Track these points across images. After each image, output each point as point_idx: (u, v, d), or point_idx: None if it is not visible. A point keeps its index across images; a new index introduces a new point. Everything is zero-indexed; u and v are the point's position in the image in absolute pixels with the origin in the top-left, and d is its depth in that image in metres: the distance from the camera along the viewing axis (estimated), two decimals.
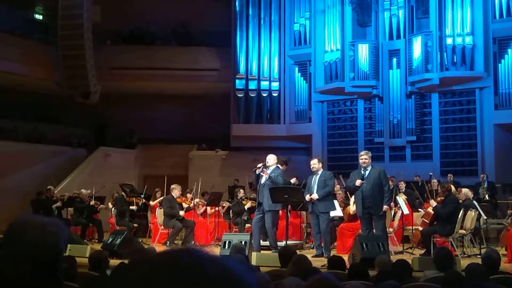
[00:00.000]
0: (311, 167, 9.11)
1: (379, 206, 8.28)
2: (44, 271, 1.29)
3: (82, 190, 12.60)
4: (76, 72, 16.74)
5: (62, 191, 14.08)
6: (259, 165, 9.02)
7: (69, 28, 16.59)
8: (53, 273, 1.29)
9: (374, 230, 8.32)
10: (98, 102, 17.41)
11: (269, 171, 8.92)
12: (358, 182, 8.34)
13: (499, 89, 14.52)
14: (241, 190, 12.34)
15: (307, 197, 8.87)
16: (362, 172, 8.49)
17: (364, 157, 8.55)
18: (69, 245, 7.97)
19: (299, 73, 17.28)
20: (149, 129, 19.05)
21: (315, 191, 8.76)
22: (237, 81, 17.51)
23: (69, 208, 12.53)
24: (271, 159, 9.08)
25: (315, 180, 8.89)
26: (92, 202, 12.41)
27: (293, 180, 10.44)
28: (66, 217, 12.47)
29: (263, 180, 8.93)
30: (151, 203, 12.35)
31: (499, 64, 14.58)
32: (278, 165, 9.17)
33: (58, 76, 17.06)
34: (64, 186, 15.03)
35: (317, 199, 8.69)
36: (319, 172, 8.96)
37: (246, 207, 11.65)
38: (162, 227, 10.92)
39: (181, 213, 10.70)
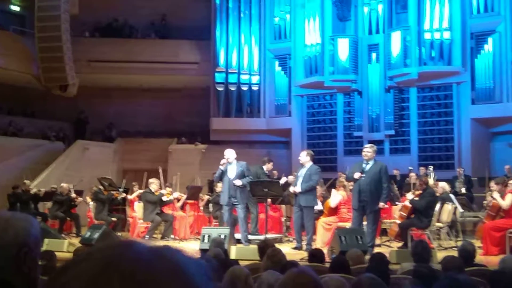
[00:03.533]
0: (299, 159, 9.14)
1: (375, 202, 8.13)
2: (9, 265, 1.27)
3: (63, 184, 12.48)
4: (54, 65, 16.50)
5: (40, 185, 13.90)
6: (223, 161, 9.09)
7: (46, 20, 16.33)
8: (19, 268, 1.27)
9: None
10: (76, 95, 17.19)
11: (233, 167, 9.03)
12: (357, 175, 8.21)
13: (476, 84, 14.72)
14: (219, 184, 12.31)
15: (291, 189, 8.93)
16: (364, 165, 8.32)
17: (366, 150, 8.40)
18: (46, 240, 7.90)
19: (279, 67, 17.29)
20: (128, 123, 18.91)
21: (299, 183, 8.80)
22: (216, 74, 17.46)
23: (46, 202, 12.39)
24: (232, 154, 9.12)
25: (301, 173, 8.93)
26: (73, 195, 12.30)
27: (282, 181, 10.43)
28: (43, 211, 12.34)
29: (232, 176, 8.99)
30: (129, 197, 12.28)
31: (476, 59, 14.78)
32: (244, 162, 9.30)
33: (35, 69, 16.80)
34: (42, 180, 14.84)
35: (300, 192, 8.73)
36: (307, 166, 8.97)
37: None
38: (141, 221, 10.87)
39: (164, 198, 10.66)
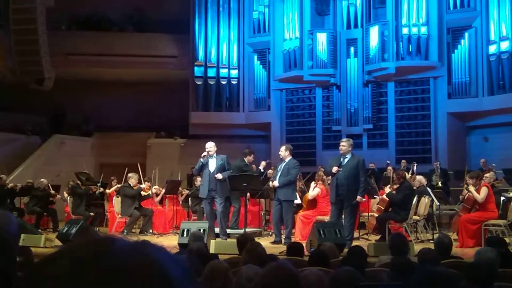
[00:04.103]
0: (279, 154, 9.18)
1: (352, 195, 8.16)
2: None
3: (42, 179, 12.34)
4: (30, 58, 16.25)
5: (16, 179, 13.70)
6: (204, 154, 9.09)
7: (22, 12, 16.06)
8: None
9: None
10: (53, 89, 16.97)
11: (213, 160, 9.03)
12: (334, 169, 8.24)
13: (452, 78, 14.92)
14: (198, 178, 12.27)
15: (270, 183, 9.00)
16: (341, 159, 8.36)
17: (342, 144, 8.46)
18: (23, 235, 7.79)
19: (258, 61, 17.28)
20: (105, 117, 18.72)
21: (278, 177, 8.84)
22: (195, 68, 17.38)
23: (23, 197, 12.23)
24: (212, 147, 9.13)
25: (280, 168, 8.99)
26: (52, 192, 12.17)
27: (261, 166, 10.51)
28: (19, 206, 12.17)
29: (212, 169, 8.99)
30: (108, 190, 12.18)
31: (453, 54, 14.96)
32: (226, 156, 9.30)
33: (10, 62, 16.52)
34: (18, 175, 14.64)
35: (278, 186, 8.77)
36: (286, 160, 9.02)
37: None
38: (120, 215, 10.80)
39: (143, 193, 10.61)
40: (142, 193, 10.68)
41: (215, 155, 9.11)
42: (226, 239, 8.66)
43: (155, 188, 11.83)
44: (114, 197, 11.30)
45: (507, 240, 7.16)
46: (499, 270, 3.77)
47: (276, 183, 8.81)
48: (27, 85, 16.77)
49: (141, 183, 11.37)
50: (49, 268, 0.63)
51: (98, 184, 12.12)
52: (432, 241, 8.29)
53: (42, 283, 0.62)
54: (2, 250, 1.27)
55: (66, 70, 17.25)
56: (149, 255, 0.65)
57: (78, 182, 11.90)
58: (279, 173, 8.91)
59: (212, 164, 9.02)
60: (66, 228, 8.53)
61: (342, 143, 8.50)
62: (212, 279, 3.23)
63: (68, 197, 11.88)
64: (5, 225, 1.34)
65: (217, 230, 9.10)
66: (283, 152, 9.08)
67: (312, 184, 10.29)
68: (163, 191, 11.86)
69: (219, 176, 8.88)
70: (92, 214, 11.47)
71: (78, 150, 17.35)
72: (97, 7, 18.71)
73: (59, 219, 11.92)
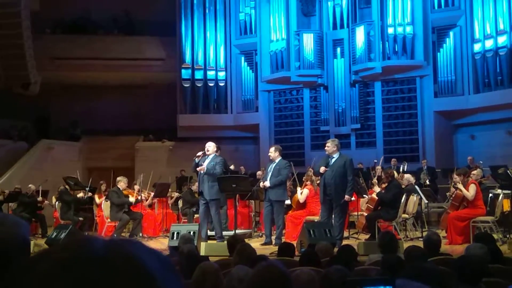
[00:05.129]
0: (269, 155, 9.17)
1: (340, 195, 8.22)
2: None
3: (30, 185, 12.24)
4: (15, 62, 16.11)
5: (3, 185, 13.58)
6: (199, 153, 9.04)
7: (6, 17, 15.91)
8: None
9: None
10: (39, 93, 16.85)
11: (208, 160, 8.94)
12: (322, 169, 8.32)
13: (438, 77, 15.03)
14: (196, 182, 12.22)
15: (261, 184, 8.98)
16: (329, 159, 8.43)
17: (327, 144, 8.54)
18: None
19: (245, 63, 17.29)
20: (93, 121, 18.62)
21: (268, 178, 8.84)
22: (183, 70, 17.36)
23: (10, 203, 12.13)
24: (211, 147, 9.09)
25: (271, 168, 8.99)
26: (40, 199, 12.08)
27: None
28: (7, 213, 12.06)
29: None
30: (97, 200, 12.07)
31: (438, 53, 15.08)
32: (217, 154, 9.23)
33: None
34: (5, 181, 14.51)
35: (269, 187, 8.77)
36: (276, 160, 9.03)
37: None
38: (109, 220, 10.74)
39: (131, 199, 10.52)
40: (131, 198, 10.60)
41: (213, 155, 9.06)
42: (222, 241, 8.62)
43: (144, 195, 11.71)
44: (103, 202, 11.24)
45: (495, 236, 7.23)
46: (488, 266, 3.81)
47: (267, 183, 8.82)
48: (13, 90, 16.64)
49: (129, 187, 11.33)
50: (31, 270, 0.63)
51: (87, 189, 12.05)
52: (421, 239, 8.34)
53: (25, 285, 0.62)
54: (10, 256, 1.27)
55: (52, 74, 17.14)
56: (127, 250, 0.65)
57: (67, 187, 11.82)
58: (270, 174, 8.92)
59: (205, 164, 8.96)
60: (55, 234, 8.47)
61: (327, 144, 8.58)
62: (203, 280, 3.23)
63: (57, 202, 11.79)
64: (16, 232, 1.34)
65: (210, 232, 9.06)
66: (273, 152, 9.10)
67: (299, 189, 10.30)
68: (152, 194, 11.82)
69: (202, 167, 8.81)
70: (81, 219, 11.40)
71: (66, 155, 17.24)
72: (83, 11, 18.63)
73: (48, 224, 11.83)
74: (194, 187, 11.79)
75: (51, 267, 0.62)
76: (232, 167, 10.59)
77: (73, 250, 0.65)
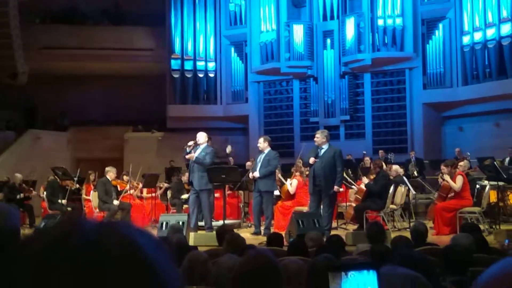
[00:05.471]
0: (258, 145, 9.16)
1: (329, 186, 8.24)
2: None
3: (16, 174, 12.16)
4: (2, 52, 15.93)
5: None
6: (190, 143, 9.01)
7: None
8: None
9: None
10: (27, 83, 16.68)
11: (199, 150, 8.92)
12: (311, 160, 8.33)
13: (427, 69, 15.10)
14: (186, 173, 12.20)
15: (250, 175, 8.99)
16: (318, 150, 8.45)
17: (316, 135, 8.56)
18: None
19: (235, 53, 17.25)
20: (82, 111, 18.51)
21: (258, 169, 8.85)
22: (172, 61, 17.28)
23: None
24: (202, 137, 9.06)
25: (260, 159, 9.00)
26: (27, 189, 12.00)
27: (228, 150, 10.39)
28: None
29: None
30: (85, 197, 12.01)
31: (427, 45, 15.14)
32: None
33: None
34: None
35: (258, 177, 8.79)
36: (266, 151, 9.03)
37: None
38: (97, 210, 10.71)
39: (115, 202, 10.43)
40: (118, 187, 10.57)
41: (204, 146, 9.03)
42: (211, 231, 8.63)
43: (133, 186, 11.67)
44: (92, 191, 11.20)
45: (481, 227, 7.31)
46: (474, 255, 3.86)
47: (256, 173, 8.83)
48: (0, 80, 16.48)
49: (118, 178, 11.30)
50: (21, 253, 0.63)
51: (75, 179, 12.00)
52: (408, 230, 8.41)
53: (15, 268, 0.62)
54: (2, 243, 1.26)
55: (40, 64, 16.98)
56: (121, 232, 0.65)
57: (55, 177, 11.76)
58: (259, 164, 8.93)
59: (196, 154, 8.93)
60: (43, 223, 8.44)
61: (316, 135, 8.60)
62: (191, 270, 3.24)
63: (45, 192, 11.73)
64: (5, 219, 1.33)
65: (199, 223, 9.06)
66: (262, 143, 9.11)
67: (288, 181, 10.33)
68: (141, 185, 11.81)
69: (190, 155, 8.80)
70: (69, 209, 11.35)
71: (53, 145, 17.14)
72: (72, 1, 18.44)
73: (36, 214, 11.77)
74: (184, 178, 11.80)
75: (42, 247, 0.62)
76: (228, 149, 10.48)
77: (63, 232, 0.64)
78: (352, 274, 0.99)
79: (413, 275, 1.18)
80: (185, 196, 11.26)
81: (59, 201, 11.23)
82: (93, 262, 0.61)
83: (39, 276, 0.60)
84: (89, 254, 0.61)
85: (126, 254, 0.62)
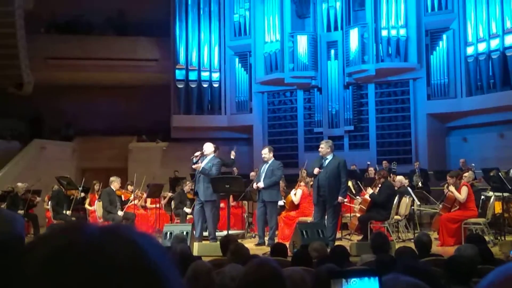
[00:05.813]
0: (263, 156, 9.14)
1: (334, 196, 8.22)
2: None
3: (18, 183, 12.18)
4: (8, 62, 16.02)
5: None
6: (197, 153, 9.01)
7: (0, 16, 15.86)
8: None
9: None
10: (33, 93, 16.76)
11: (206, 160, 8.92)
12: (315, 171, 8.32)
13: (431, 80, 15.11)
14: (188, 183, 12.23)
15: (254, 185, 8.98)
16: (322, 160, 8.44)
17: (320, 146, 8.54)
18: None
19: (240, 64, 17.30)
20: (87, 121, 18.59)
21: (262, 179, 8.85)
22: (177, 71, 17.36)
23: (2, 203, 12.07)
24: (208, 147, 9.07)
25: (264, 169, 8.99)
26: (31, 197, 12.01)
27: (232, 155, 10.38)
28: None
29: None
30: (89, 207, 12.01)
31: (431, 56, 15.15)
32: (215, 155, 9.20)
33: None
34: None
35: (263, 188, 8.78)
36: (269, 161, 9.04)
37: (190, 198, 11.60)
38: (102, 220, 10.71)
39: (120, 213, 10.43)
40: (119, 212, 10.54)
41: (211, 156, 9.03)
42: (215, 242, 8.61)
43: (137, 196, 11.68)
44: (96, 201, 11.22)
45: (486, 238, 7.28)
46: (478, 266, 3.84)
47: (261, 184, 8.82)
48: (6, 90, 16.56)
49: (123, 188, 11.31)
50: (27, 257, 0.63)
51: (80, 189, 12.02)
52: (413, 241, 8.38)
53: (20, 273, 0.62)
54: (5, 251, 1.27)
55: (46, 75, 17.07)
56: (124, 235, 0.65)
57: (60, 186, 11.79)
58: (263, 175, 8.92)
59: (202, 165, 8.93)
60: None
61: (321, 145, 8.59)
62: (195, 279, 3.24)
63: (50, 202, 11.75)
64: (11, 226, 1.34)
65: (205, 233, 9.05)
66: (268, 154, 9.09)
67: (292, 191, 10.33)
68: (145, 195, 11.81)
69: (196, 165, 8.80)
70: (73, 219, 11.36)
71: (59, 155, 17.18)
72: (76, 11, 18.58)
73: (41, 224, 11.79)
74: (186, 188, 11.82)
75: (48, 252, 0.63)
76: (232, 154, 10.39)
77: (66, 235, 0.65)
78: (354, 281, 0.99)
79: (417, 283, 1.18)
80: (187, 210, 11.29)
81: (64, 211, 11.24)
82: (97, 267, 0.61)
83: (43, 282, 0.61)
84: (93, 259, 0.61)
85: (131, 259, 0.63)
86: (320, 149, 8.52)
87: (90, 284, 0.60)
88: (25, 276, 0.62)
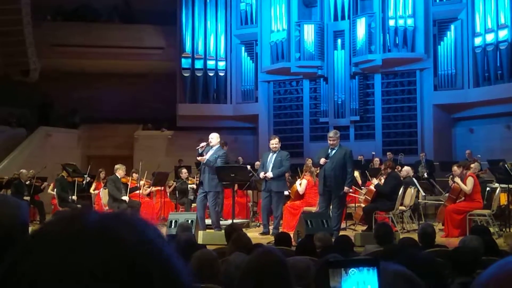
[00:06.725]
0: (273, 146, 9.05)
1: (340, 186, 8.22)
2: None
3: (22, 170, 12.24)
4: (14, 49, 16.06)
5: (1, 172, 13.61)
6: (202, 144, 8.98)
7: (6, 3, 15.86)
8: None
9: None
10: (39, 80, 16.82)
11: (211, 152, 8.88)
12: (322, 161, 8.30)
13: (438, 70, 15.03)
14: (184, 170, 12.26)
15: (261, 175, 8.93)
16: (329, 150, 8.42)
17: (331, 136, 8.49)
18: None
19: (246, 53, 17.25)
20: (92, 109, 18.61)
21: (270, 169, 8.82)
22: (183, 60, 17.32)
23: (7, 190, 12.15)
24: (214, 138, 9.02)
25: (271, 159, 8.94)
26: (36, 181, 12.07)
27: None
28: None
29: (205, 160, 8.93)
30: (94, 192, 12.06)
31: (439, 46, 15.06)
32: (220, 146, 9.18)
33: None
34: (3, 167, 14.53)
35: (271, 178, 8.76)
36: (277, 151, 9.01)
37: (192, 186, 11.63)
38: (107, 207, 10.76)
39: (125, 198, 10.46)
40: (124, 197, 10.59)
41: (216, 147, 9.01)
42: (219, 230, 8.63)
43: (143, 182, 11.75)
44: (102, 189, 11.27)
45: (491, 229, 7.26)
46: (483, 258, 3.84)
47: (270, 174, 8.79)
48: (12, 77, 16.61)
49: (128, 176, 11.35)
50: (28, 247, 0.64)
51: (85, 176, 12.07)
52: (417, 231, 8.39)
53: (27, 259, 0.63)
54: (11, 238, 1.28)
55: (52, 61, 17.10)
56: (123, 220, 0.66)
57: (64, 173, 11.84)
58: (271, 165, 8.89)
59: (207, 155, 8.91)
60: None
61: (330, 136, 8.51)
62: (200, 268, 3.25)
63: (55, 189, 11.81)
64: (15, 213, 1.34)
65: (207, 221, 9.08)
66: (278, 143, 9.05)
67: (298, 180, 10.33)
68: (151, 183, 11.86)
69: (202, 158, 8.79)
70: (79, 206, 11.42)
71: (64, 142, 17.25)
72: None
73: (46, 211, 11.86)
74: (183, 175, 11.85)
75: (44, 244, 0.63)
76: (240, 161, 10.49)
77: (65, 224, 0.65)
78: (352, 271, 0.99)
79: (404, 272, 1.18)
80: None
81: (70, 197, 11.29)
82: (93, 254, 0.61)
83: (50, 268, 0.61)
84: (89, 245, 0.62)
85: (134, 244, 0.63)
86: (330, 140, 8.43)
87: (95, 269, 0.60)
88: (33, 262, 0.62)
